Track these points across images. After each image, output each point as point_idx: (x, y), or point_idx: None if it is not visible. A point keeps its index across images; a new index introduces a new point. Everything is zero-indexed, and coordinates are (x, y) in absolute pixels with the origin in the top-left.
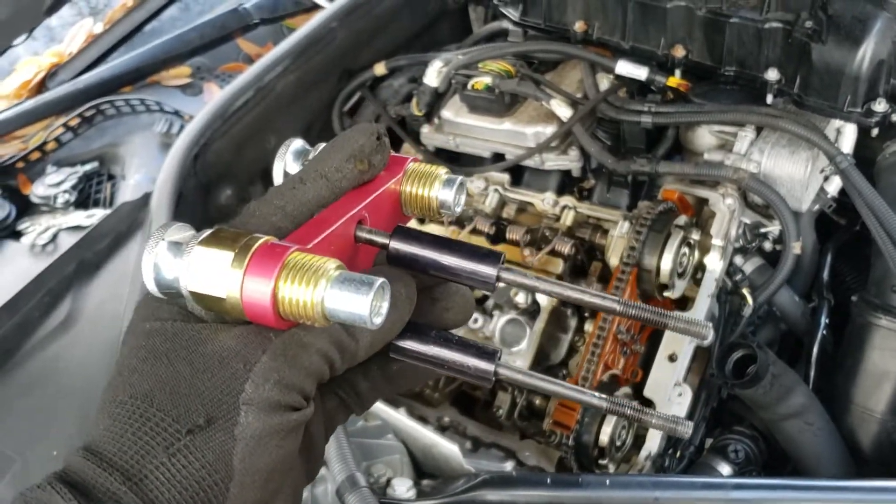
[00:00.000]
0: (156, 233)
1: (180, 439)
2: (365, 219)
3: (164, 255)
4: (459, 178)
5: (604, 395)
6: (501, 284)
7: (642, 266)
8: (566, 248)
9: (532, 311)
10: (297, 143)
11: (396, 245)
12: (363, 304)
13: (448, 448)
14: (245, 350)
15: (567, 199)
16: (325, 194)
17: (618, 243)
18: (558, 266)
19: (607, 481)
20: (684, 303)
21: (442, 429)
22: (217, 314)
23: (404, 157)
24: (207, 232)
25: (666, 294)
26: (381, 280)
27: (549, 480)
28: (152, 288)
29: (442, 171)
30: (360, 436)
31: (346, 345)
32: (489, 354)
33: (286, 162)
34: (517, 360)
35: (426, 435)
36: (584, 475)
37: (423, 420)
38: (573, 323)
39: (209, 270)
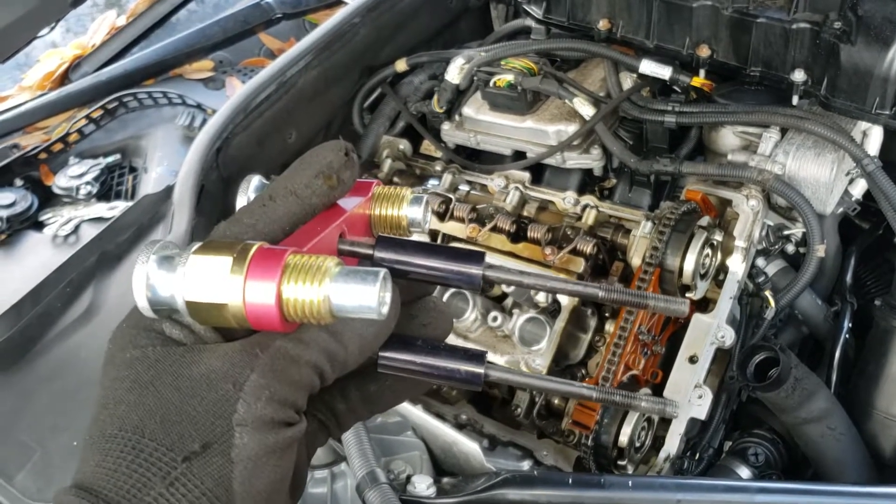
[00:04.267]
0: (144, 249)
1: (176, 468)
2: (344, 232)
3: (156, 269)
4: (425, 196)
5: (593, 387)
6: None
7: (665, 266)
8: (588, 247)
9: (552, 310)
10: (257, 180)
11: (381, 254)
12: (371, 295)
13: (469, 446)
14: (233, 370)
15: (588, 199)
16: (295, 211)
17: (640, 243)
18: (580, 265)
19: (630, 482)
20: (706, 304)
21: (459, 426)
22: (215, 325)
23: (369, 182)
24: (197, 244)
25: (688, 295)
26: (383, 270)
27: (570, 480)
28: (144, 304)
29: (408, 192)
30: (379, 432)
31: (336, 353)
32: (478, 357)
33: (249, 198)
34: (536, 359)
35: (446, 432)
36: (606, 476)
37: (440, 417)
38: (593, 323)
39: (208, 278)
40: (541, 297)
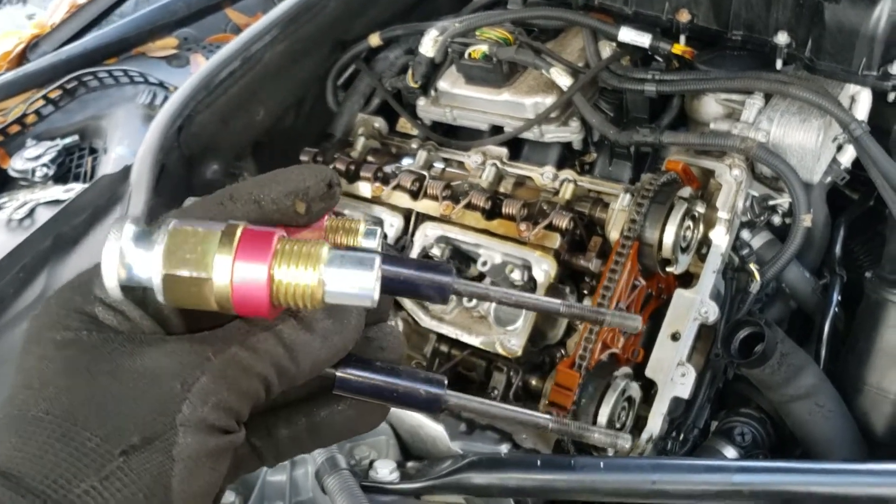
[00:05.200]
0: (115, 225)
1: (112, 461)
2: None
3: (132, 246)
4: (378, 228)
5: (548, 416)
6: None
7: (643, 240)
8: (564, 221)
9: (528, 288)
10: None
11: None
12: (369, 279)
13: (434, 429)
14: (182, 370)
15: (567, 173)
16: (253, 219)
17: (618, 216)
18: (555, 241)
19: (602, 464)
20: (688, 279)
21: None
22: (186, 306)
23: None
24: (173, 221)
25: (669, 270)
26: (377, 256)
27: (539, 463)
28: (113, 284)
29: (361, 225)
30: None
31: (286, 368)
32: (437, 381)
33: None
34: (511, 339)
35: (411, 416)
36: (577, 457)
37: None
38: (572, 300)
39: (193, 252)
40: (516, 276)
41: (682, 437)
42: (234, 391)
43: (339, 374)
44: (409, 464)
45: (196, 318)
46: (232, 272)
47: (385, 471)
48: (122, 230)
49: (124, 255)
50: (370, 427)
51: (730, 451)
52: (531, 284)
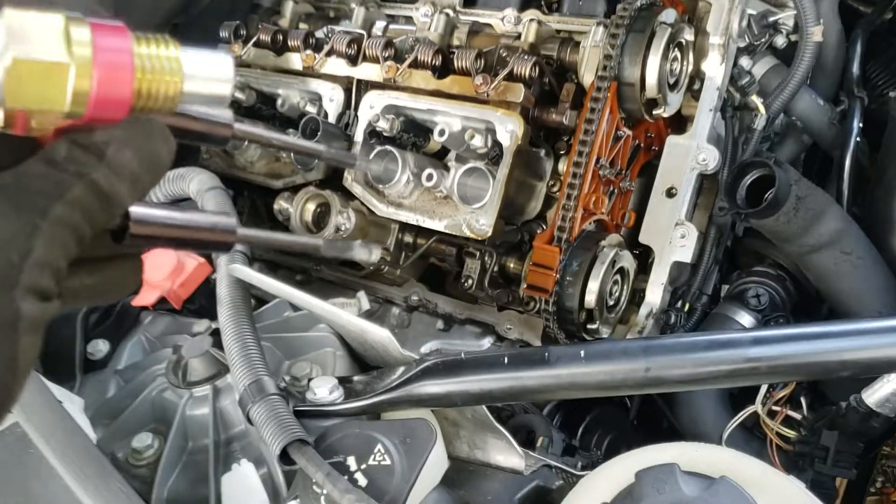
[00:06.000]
0: None
1: None
2: None
3: None
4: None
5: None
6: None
7: (622, 79)
8: (527, 68)
9: (494, 155)
10: None
11: None
12: (227, 64)
13: (378, 334)
14: (14, 238)
15: (531, 13)
16: None
17: (591, 55)
18: (519, 93)
19: (582, 352)
20: (682, 123)
21: (410, 308)
22: (31, 106)
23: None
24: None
25: (656, 113)
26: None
27: (506, 360)
28: None
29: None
30: (282, 330)
31: (98, 220)
32: (227, 213)
33: None
34: (480, 218)
35: (352, 322)
36: (551, 348)
37: (388, 302)
38: (548, 165)
39: (43, 34)
40: (477, 142)
41: (686, 306)
42: (63, 255)
43: (135, 218)
44: (356, 378)
45: None
46: (94, 55)
47: (323, 390)
48: None
49: None
50: (129, 290)
51: (744, 318)
52: (496, 150)
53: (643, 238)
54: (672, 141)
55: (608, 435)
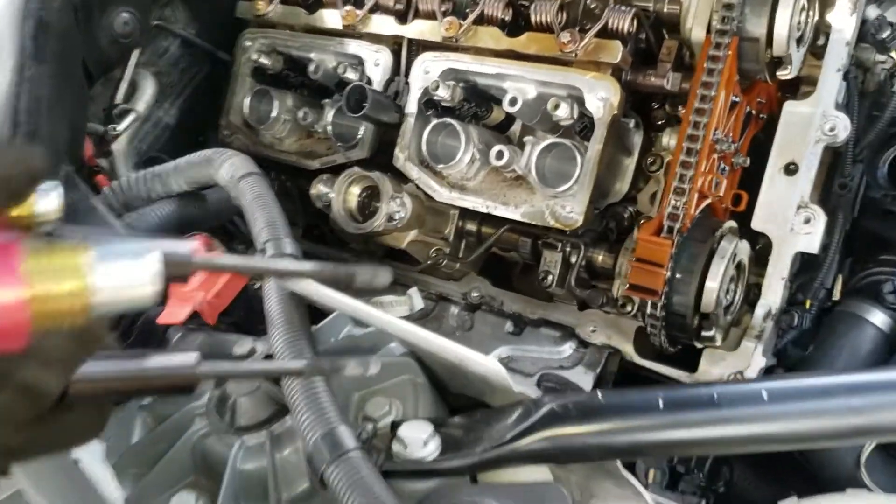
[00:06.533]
0: None
1: None
2: None
3: None
4: (55, 187)
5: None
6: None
7: (745, 33)
8: (625, 22)
9: (581, 127)
10: None
11: None
12: (149, 263)
13: (487, 368)
14: None
15: None
16: None
17: (702, 5)
18: (615, 52)
19: (763, 392)
20: (794, 88)
21: (471, 307)
22: None
23: None
24: None
25: (781, 74)
26: (147, 242)
27: (660, 402)
28: None
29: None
30: (349, 353)
31: (27, 415)
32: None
33: None
34: (568, 205)
35: (450, 350)
36: (716, 386)
37: (445, 300)
38: (638, 138)
39: None
40: (562, 112)
41: (808, 304)
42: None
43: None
44: (452, 421)
45: None
46: None
47: (417, 441)
48: None
49: None
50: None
51: (877, 316)
52: (583, 122)
53: (757, 224)
54: (791, 108)
55: None
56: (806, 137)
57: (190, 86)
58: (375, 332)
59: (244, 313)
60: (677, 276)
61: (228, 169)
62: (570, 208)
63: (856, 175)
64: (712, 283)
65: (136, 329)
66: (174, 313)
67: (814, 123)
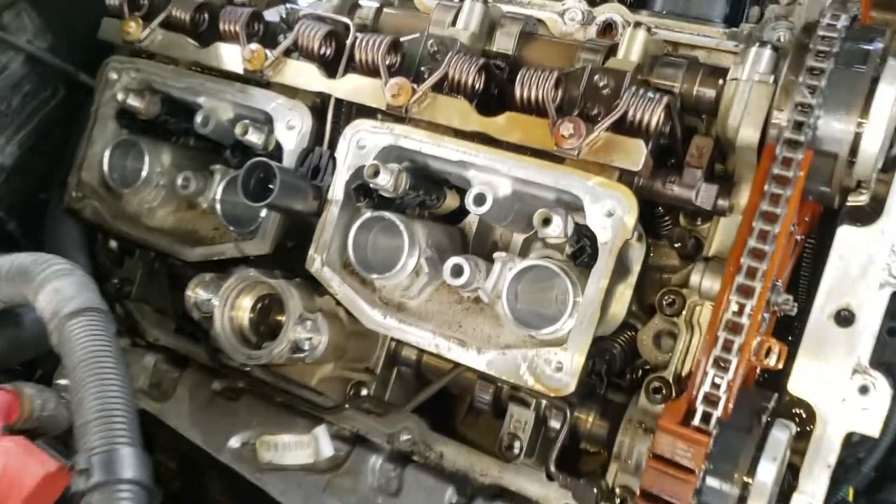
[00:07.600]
0: None
1: None
2: None
3: None
4: None
5: None
6: None
7: (820, 145)
8: (654, 114)
9: (576, 249)
10: None
11: None
12: None
13: None
14: None
15: (613, 8)
16: None
17: (756, 94)
18: (637, 157)
19: None
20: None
21: (399, 456)
22: None
23: None
24: None
25: (852, 199)
26: None
27: None
28: None
29: None
30: None
31: None
32: None
33: None
34: (554, 357)
35: None
36: None
37: (364, 442)
38: (639, 253)
39: None
40: (554, 230)
41: (851, 493)
42: None
43: None
44: None
45: None
46: None
47: None
48: None
49: None
50: None
51: None
52: (582, 242)
53: (796, 388)
54: (849, 236)
55: None
56: (867, 277)
57: (36, 116)
58: None
59: None
60: (712, 484)
61: (51, 296)
62: (558, 364)
63: None
64: (762, 484)
65: None
66: None
67: (878, 260)
